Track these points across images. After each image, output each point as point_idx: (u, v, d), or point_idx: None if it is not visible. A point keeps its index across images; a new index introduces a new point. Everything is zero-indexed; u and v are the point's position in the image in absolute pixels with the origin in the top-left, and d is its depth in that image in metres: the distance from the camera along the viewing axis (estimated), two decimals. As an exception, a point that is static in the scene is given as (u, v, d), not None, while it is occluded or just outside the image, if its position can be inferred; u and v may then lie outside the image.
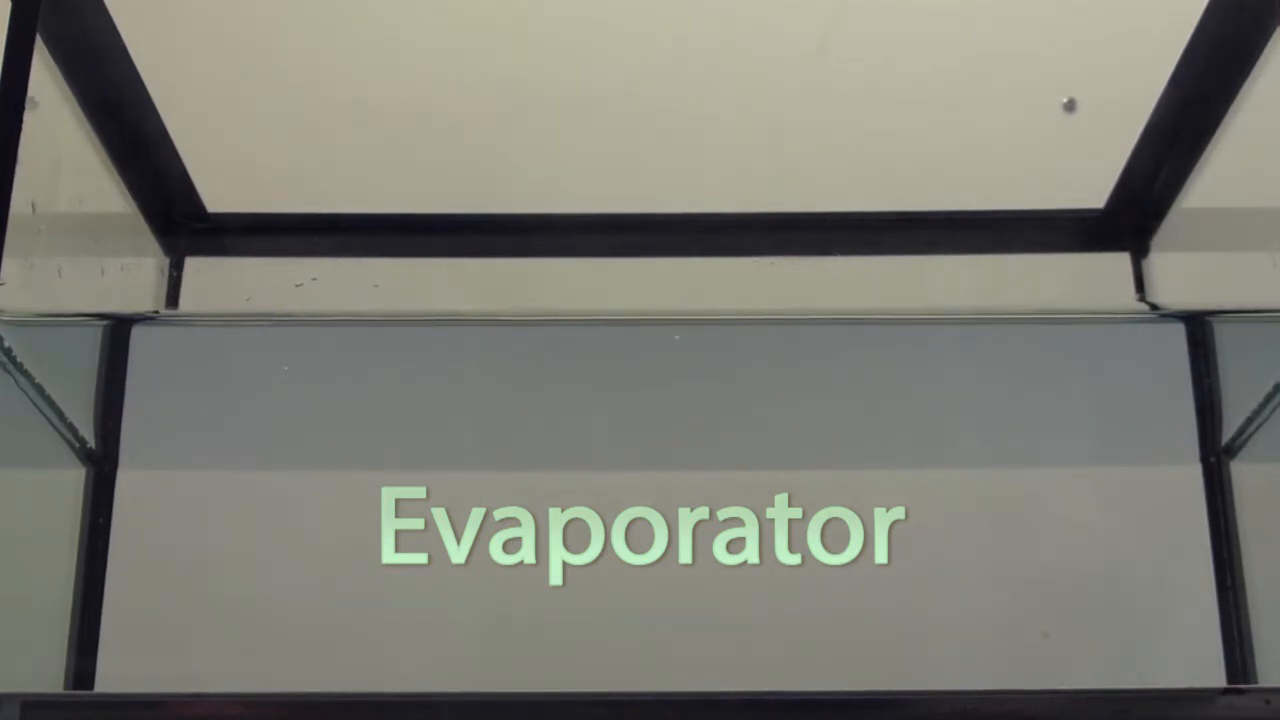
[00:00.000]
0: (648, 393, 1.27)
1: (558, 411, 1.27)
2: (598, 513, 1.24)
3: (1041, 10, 1.26)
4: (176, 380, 1.28)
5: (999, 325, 1.29)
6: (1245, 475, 1.24)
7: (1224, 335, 1.26)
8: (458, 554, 1.23)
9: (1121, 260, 1.33)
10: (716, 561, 1.23)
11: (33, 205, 1.11)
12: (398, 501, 1.25)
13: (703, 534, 1.24)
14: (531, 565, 1.22)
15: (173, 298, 1.32)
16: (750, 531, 1.24)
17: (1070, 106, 1.28)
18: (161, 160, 1.28)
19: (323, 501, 1.25)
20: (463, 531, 1.24)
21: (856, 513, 1.25)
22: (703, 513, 1.25)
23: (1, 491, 1.21)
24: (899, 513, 1.24)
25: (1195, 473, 1.25)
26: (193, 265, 1.33)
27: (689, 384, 1.28)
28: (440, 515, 1.24)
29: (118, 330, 1.28)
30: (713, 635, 1.22)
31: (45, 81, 1.14)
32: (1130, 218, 1.32)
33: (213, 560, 1.24)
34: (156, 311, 1.31)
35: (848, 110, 1.28)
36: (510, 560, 1.23)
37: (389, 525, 1.24)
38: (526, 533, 1.23)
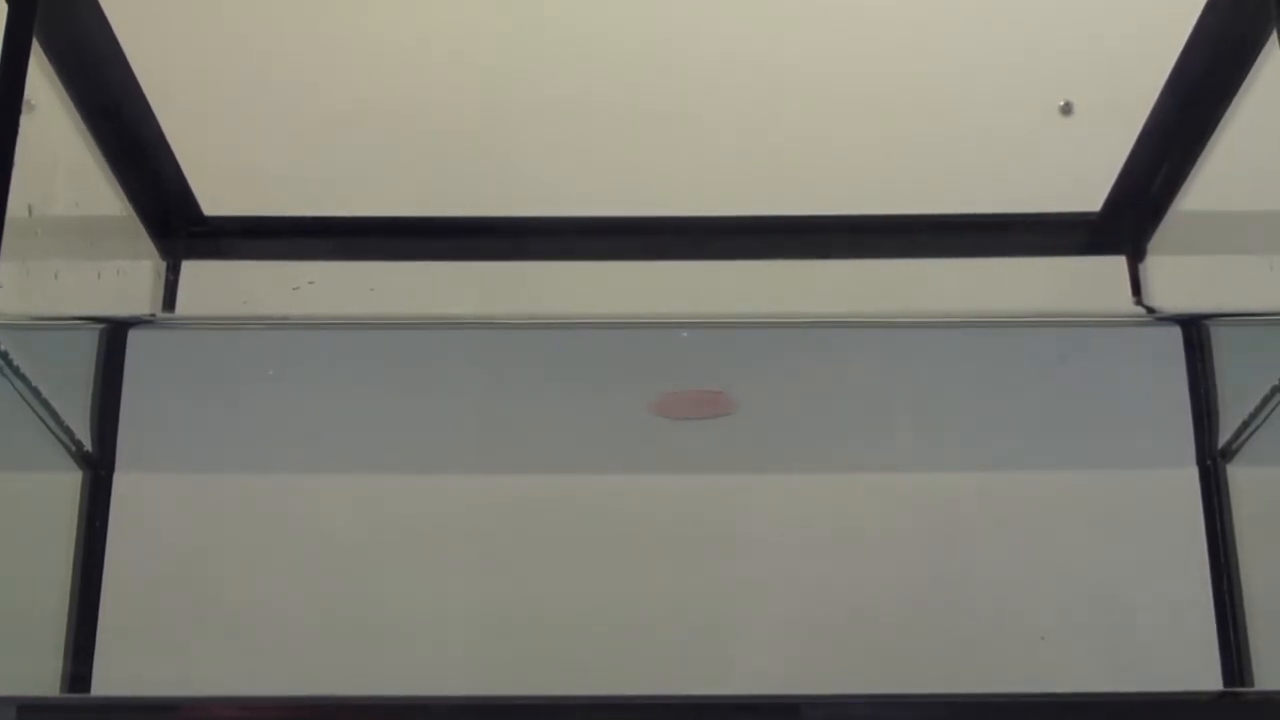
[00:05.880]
0: (646, 395, 1.27)
1: (555, 413, 1.28)
2: (596, 514, 1.24)
3: (1038, 14, 1.26)
4: (173, 383, 1.28)
5: (996, 328, 1.29)
6: (1242, 478, 1.24)
7: (1220, 338, 1.27)
8: (456, 555, 1.23)
9: (1118, 263, 1.33)
10: (716, 563, 1.23)
11: (29, 208, 1.11)
12: (395, 503, 1.25)
13: (702, 535, 1.24)
14: (530, 566, 1.23)
15: (169, 301, 1.32)
16: (749, 533, 1.24)
17: (1067, 110, 1.28)
18: (158, 163, 1.28)
19: (319, 504, 1.25)
20: (461, 532, 1.24)
21: (854, 514, 1.25)
22: (702, 514, 1.25)
23: (-2, 494, 1.21)
24: (897, 514, 1.24)
25: (1192, 475, 1.26)
26: (189, 268, 1.33)
27: (687, 386, 1.28)
28: (438, 516, 1.25)
29: (114, 333, 1.28)
30: (712, 636, 1.22)
31: (42, 85, 1.14)
32: (1127, 221, 1.32)
33: (209, 563, 1.24)
34: (153, 315, 1.31)
35: (845, 113, 1.28)
36: (509, 561, 1.23)
37: (386, 527, 1.24)
38: (525, 534, 1.23)
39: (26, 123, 1.08)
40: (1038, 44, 1.27)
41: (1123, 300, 1.32)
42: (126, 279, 1.31)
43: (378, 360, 1.29)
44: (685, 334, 1.28)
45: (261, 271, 1.33)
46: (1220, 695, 1.18)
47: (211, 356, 1.29)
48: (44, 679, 1.20)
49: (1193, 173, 1.25)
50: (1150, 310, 1.32)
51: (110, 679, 1.20)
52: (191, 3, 1.25)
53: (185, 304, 1.32)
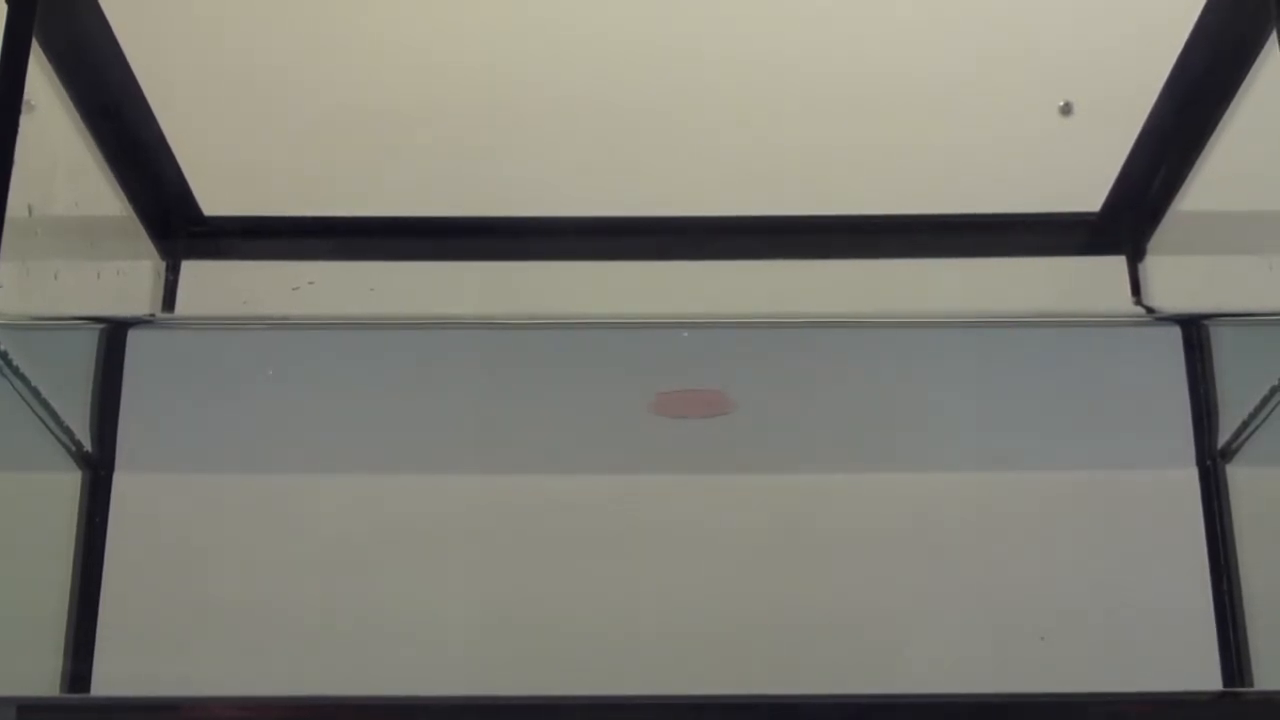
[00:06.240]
0: (645, 395, 1.27)
1: (555, 413, 1.28)
2: (595, 514, 1.24)
3: (1038, 14, 1.26)
4: (173, 383, 1.28)
5: (995, 329, 1.29)
6: (1242, 478, 1.24)
7: (1220, 339, 1.27)
8: (456, 555, 1.23)
9: (1117, 263, 1.33)
10: (716, 563, 1.23)
11: (29, 208, 1.11)
12: (395, 503, 1.25)
13: (702, 535, 1.24)
14: (530, 566, 1.23)
15: (169, 301, 1.32)
16: (748, 533, 1.24)
17: (1067, 110, 1.28)
18: (158, 164, 1.28)
19: (319, 504, 1.25)
20: (461, 532, 1.24)
21: (853, 515, 1.25)
22: (701, 514, 1.25)
23: (-2, 494, 1.21)
24: (895, 514, 1.24)
25: (1192, 476, 1.26)
26: (189, 268, 1.33)
27: (687, 386, 1.28)
28: (437, 517, 1.25)
29: (114, 333, 1.28)
30: (712, 637, 1.22)
31: (42, 85, 1.14)
32: (1126, 221, 1.32)
33: (209, 563, 1.24)
34: (153, 315, 1.31)
35: (845, 113, 1.28)
36: (508, 561, 1.23)
37: (386, 527, 1.24)
38: (524, 533, 1.23)
39: (26, 123, 1.08)
40: (1038, 44, 1.27)
41: (1122, 300, 1.32)
42: (126, 279, 1.31)
43: (378, 360, 1.29)
44: (685, 334, 1.29)
45: (261, 271, 1.33)
46: (1220, 695, 1.18)
47: (211, 356, 1.29)
48: (44, 679, 1.20)
49: (1192, 173, 1.25)
50: (1150, 310, 1.32)
51: (110, 679, 1.20)
52: (191, 3, 1.25)
53: (185, 304, 1.32)
